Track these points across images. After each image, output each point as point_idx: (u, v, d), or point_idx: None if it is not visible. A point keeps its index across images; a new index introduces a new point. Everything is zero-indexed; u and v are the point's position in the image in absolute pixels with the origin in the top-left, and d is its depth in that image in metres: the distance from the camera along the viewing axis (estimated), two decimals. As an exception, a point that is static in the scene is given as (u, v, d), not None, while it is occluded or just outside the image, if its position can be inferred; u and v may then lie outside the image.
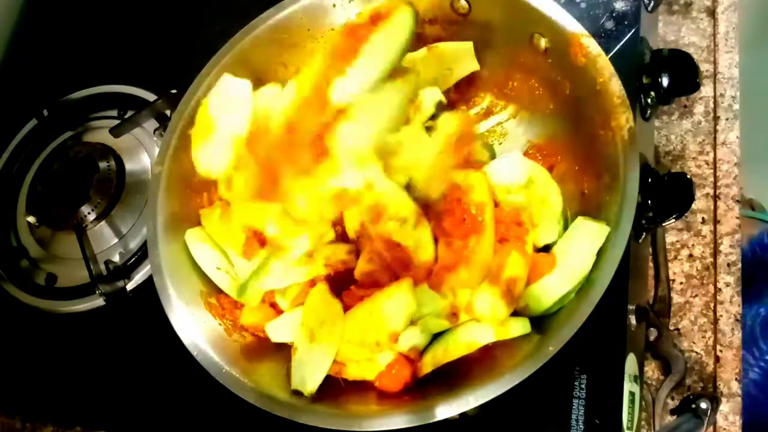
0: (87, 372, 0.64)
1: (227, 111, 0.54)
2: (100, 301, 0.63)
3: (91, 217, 0.66)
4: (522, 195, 0.50)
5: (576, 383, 0.49)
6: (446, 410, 0.44)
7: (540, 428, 0.49)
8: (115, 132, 0.66)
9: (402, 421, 0.44)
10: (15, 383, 0.66)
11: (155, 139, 0.68)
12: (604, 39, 0.54)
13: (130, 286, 0.64)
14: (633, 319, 0.50)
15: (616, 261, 0.45)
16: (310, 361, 0.49)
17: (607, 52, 0.49)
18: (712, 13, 0.61)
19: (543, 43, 0.52)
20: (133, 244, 0.66)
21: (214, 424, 0.56)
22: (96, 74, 0.76)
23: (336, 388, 0.50)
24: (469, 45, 0.56)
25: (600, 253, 0.46)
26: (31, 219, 0.68)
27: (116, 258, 0.65)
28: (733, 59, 0.60)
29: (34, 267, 0.69)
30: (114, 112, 0.72)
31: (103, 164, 0.67)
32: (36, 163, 0.73)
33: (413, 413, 0.45)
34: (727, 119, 0.59)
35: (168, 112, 0.67)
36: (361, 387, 0.50)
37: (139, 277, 0.64)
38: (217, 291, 0.55)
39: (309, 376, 0.49)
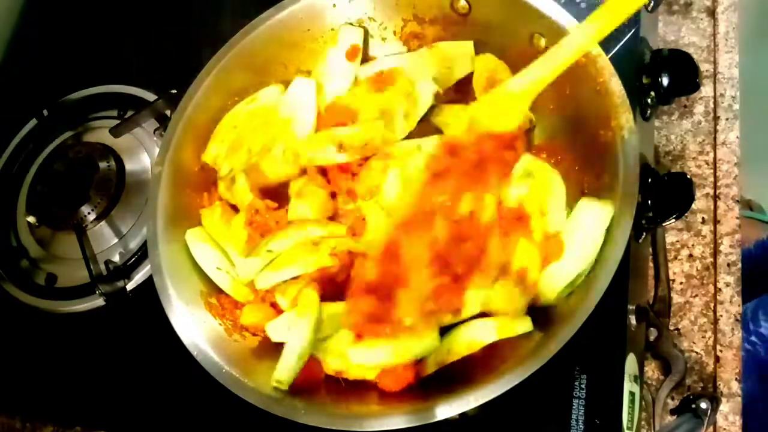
0: (87, 372, 0.63)
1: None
2: (100, 301, 0.63)
3: (91, 217, 0.66)
4: (526, 186, 0.50)
5: (576, 383, 0.49)
6: (446, 410, 0.44)
7: (540, 428, 0.49)
8: (115, 132, 0.66)
9: (402, 421, 0.44)
10: (15, 383, 0.66)
11: (155, 139, 0.68)
12: (604, 39, 0.54)
13: (130, 286, 0.64)
14: (633, 319, 0.50)
15: (623, 244, 0.44)
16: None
17: (607, 52, 0.49)
18: (712, 13, 0.61)
19: (543, 42, 0.52)
20: (133, 244, 0.66)
21: (214, 424, 0.56)
22: (96, 74, 0.76)
23: (336, 388, 0.50)
24: (469, 44, 0.56)
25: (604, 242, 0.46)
26: (31, 219, 0.68)
27: (116, 258, 0.65)
28: (733, 59, 0.61)
29: (34, 267, 0.69)
30: (114, 112, 0.72)
31: (103, 164, 0.67)
32: (36, 163, 0.73)
33: (413, 413, 0.45)
34: (727, 119, 0.59)
35: (168, 112, 0.66)
36: (361, 387, 0.50)
37: (139, 277, 0.64)
38: (218, 291, 0.55)
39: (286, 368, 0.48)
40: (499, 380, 0.44)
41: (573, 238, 0.47)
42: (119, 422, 0.61)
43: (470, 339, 0.48)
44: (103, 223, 0.67)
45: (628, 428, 0.49)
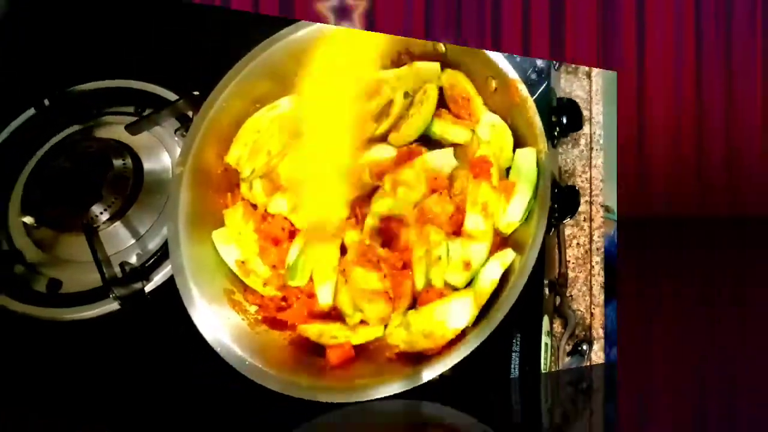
0: (97, 381, 0.57)
1: None
2: (112, 306, 0.58)
3: (104, 217, 0.61)
4: (488, 132, 0.65)
5: (514, 341, 0.64)
6: (429, 373, 0.56)
7: (492, 376, 0.63)
8: (132, 129, 0.61)
9: (399, 386, 0.56)
10: (15, 390, 0.58)
11: (176, 138, 0.64)
12: (530, 86, 0.73)
13: (148, 288, 0.61)
14: (547, 291, 0.66)
15: (540, 235, 0.63)
16: None
17: (532, 95, 0.68)
18: (588, 75, 0.86)
19: (493, 84, 0.66)
20: (152, 245, 0.61)
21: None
22: (112, 68, 0.65)
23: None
24: (436, 66, 0.68)
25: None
26: (28, 220, 0.59)
27: (133, 259, 0.61)
28: (599, 109, 0.86)
29: (31, 272, 0.60)
30: (131, 109, 0.65)
31: (117, 162, 0.61)
32: (34, 159, 0.62)
33: (406, 378, 0.57)
34: (596, 150, 0.85)
35: (190, 114, 0.63)
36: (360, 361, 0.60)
37: (158, 279, 0.61)
38: (242, 288, 0.58)
39: None
40: (464, 346, 0.58)
41: (519, 177, 0.65)
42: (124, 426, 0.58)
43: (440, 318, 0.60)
44: (117, 223, 0.61)
45: (544, 370, 0.65)
